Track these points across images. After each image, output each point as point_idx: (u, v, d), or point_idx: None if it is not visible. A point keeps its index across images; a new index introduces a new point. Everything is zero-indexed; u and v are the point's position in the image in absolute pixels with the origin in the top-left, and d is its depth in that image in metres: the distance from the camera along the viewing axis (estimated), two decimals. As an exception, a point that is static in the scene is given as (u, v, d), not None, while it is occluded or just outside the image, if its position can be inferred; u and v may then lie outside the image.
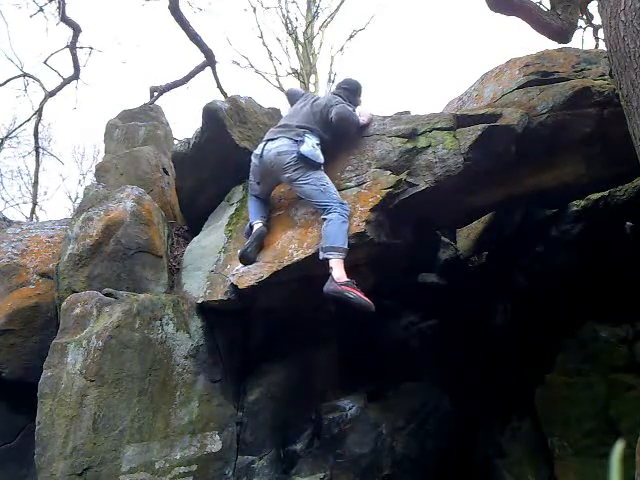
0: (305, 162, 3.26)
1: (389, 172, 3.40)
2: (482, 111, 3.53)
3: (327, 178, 3.30)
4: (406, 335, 4.94)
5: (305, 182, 3.24)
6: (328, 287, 2.96)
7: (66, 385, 3.07)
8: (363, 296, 2.93)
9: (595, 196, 4.45)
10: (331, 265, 3.02)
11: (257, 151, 3.48)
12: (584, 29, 7.00)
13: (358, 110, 3.70)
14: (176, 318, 3.50)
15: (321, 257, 3.07)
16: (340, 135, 3.59)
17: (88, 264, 3.62)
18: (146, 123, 6.22)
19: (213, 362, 3.57)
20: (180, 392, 3.35)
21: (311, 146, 3.29)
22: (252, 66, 12.16)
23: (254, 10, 12.05)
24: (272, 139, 3.42)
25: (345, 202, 3.22)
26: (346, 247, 3.07)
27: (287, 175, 3.31)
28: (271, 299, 3.53)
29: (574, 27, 4.82)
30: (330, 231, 3.08)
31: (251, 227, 3.50)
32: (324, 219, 3.16)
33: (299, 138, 3.33)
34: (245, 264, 3.39)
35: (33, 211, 12.10)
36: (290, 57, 12.51)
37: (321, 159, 3.32)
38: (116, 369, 3.16)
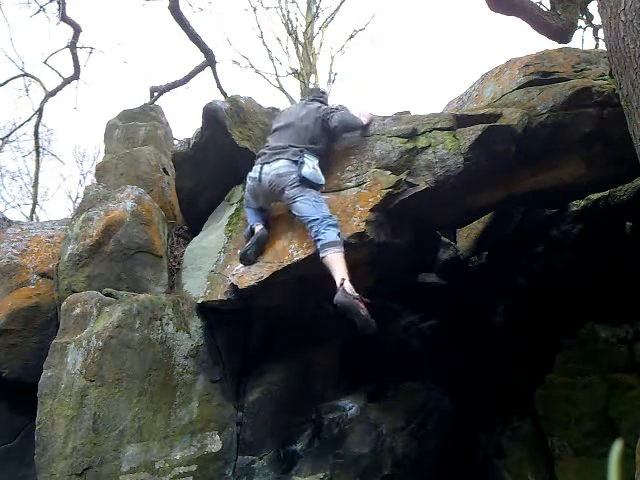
0: (306, 183, 3.25)
1: (389, 172, 3.40)
2: (482, 111, 3.53)
3: (321, 197, 3.29)
4: (406, 335, 4.94)
5: (301, 196, 3.22)
6: (342, 299, 2.89)
7: (66, 385, 3.07)
8: (368, 313, 2.88)
9: (595, 196, 4.45)
10: (335, 269, 2.97)
11: (253, 174, 3.44)
12: (584, 29, 7.00)
13: (358, 111, 3.71)
14: (176, 318, 3.50)
15: (321, 256, 3.05)
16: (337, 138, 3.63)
17: (88, 264, 3.63)
18: (146, 123, 6.21)
19: (213, 362, 3.57)
20: (180, 392, 3.35)
21: (312, 167, 3.29)
22: (252, 66, 12.16)
23: (254, 10, 12.06)
24: (268, 162, 3.38)
25: (333, 216, 3.19)
26: (340, 240, 3.05)
27: (285, 194, 3.29)
28: (271, 299, 3.53)
29: (574, 27, 4.83)
30: (323, 236, 3.06)
31: (252, 229, 3.48)
32: (315, 236, 3.10)
33: (297, 158, 3.30)
34: (245, 265, 3.39)
35: (33, 211, 12.11)
36: (290, 57, 12.52)
37: (322, 180, 3.33)
38: (116, 369, 3.16)
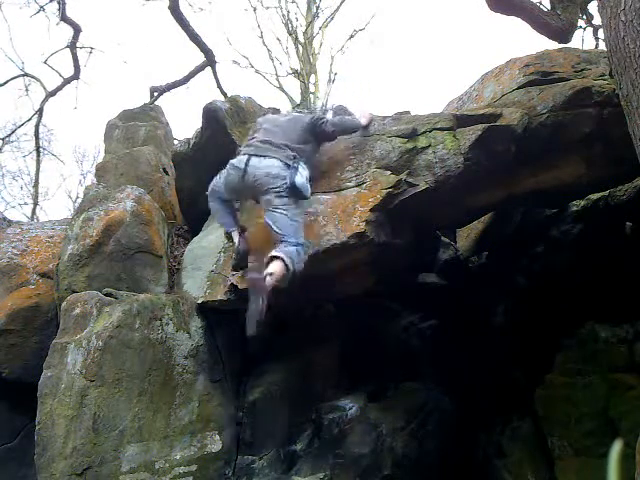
0: (294, 192, 3.05)
1: (389, 172, 3.39)
2: (482, 111, 3.53)
3: (301, 216, 3.14)
4: (406, 335, 4.94)
5: (285, 210, 3.02)
6: (255, 276, 2.82)
7: (66, 385, 3.07)
8: (262, 315, 2.80)
9: (595, 196, 4.45)
10: (271, 265, 2.83)
11: (238, 164, 3.16)
12: (584, 29, 6.99)
13: (358, 111, 3.70)
14: (176, 318, 3.51)
15: (273, 253, 2.88)
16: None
17: (88, 264, 3.63)
18: (146, 123, 6.21)
19: (213, 362, 3.57)
20: (180, 392, 3.35)
21: (304, 177, 3.10)
22: (252, 66, 12.16)
23: (254, 10, 12.05)
24: (257, 155, 3.15)
25: (305, 242, 3.07)
26: (294, 263, 2.89)
27: (268, 197, 3.06)
28: (271, 299, 3.52)
29: (574, 27, 4.83)
30: (286, 247, 2.92)
31: (229, 235, 3.27)
32: (282, 245, 2.94)
33: (291, 162, 3.11)
34: (238, 271, 3.32)
35: (34, 211, 12.12)
36: (290, 57, 12.49)
37: (309, 194, 3.17)
38: (116, 369, 3.16)
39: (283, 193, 3.03)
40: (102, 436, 3.02)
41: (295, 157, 3.16)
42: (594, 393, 3.84)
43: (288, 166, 3.09)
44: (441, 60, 30.06)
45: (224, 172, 3.28)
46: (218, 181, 3.34)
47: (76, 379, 3.08)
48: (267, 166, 3.09)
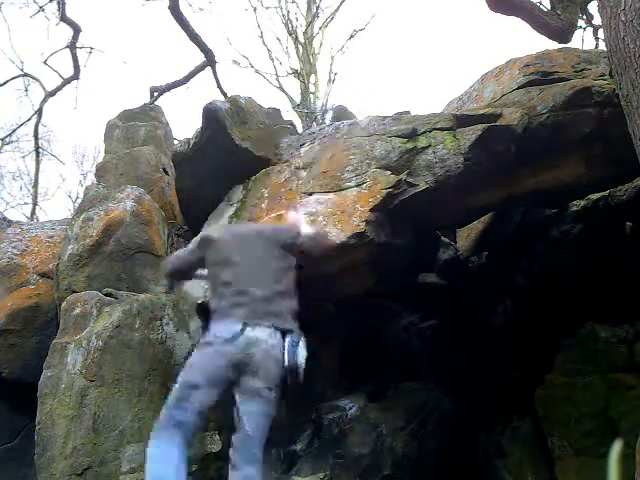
0: (290, 373, 2.43)
1: (389, 172, 3.39)
2: (482, 111, 3.53)
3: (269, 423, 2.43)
4: (406, 335, 4.94)
5: (261, 410, 2.37)
6: None
7: (66, 385, 3.07)
8: None
9: (595, 196, 4.45)
10: None
11: (227, 334, 2.38)
12: (584, 29, 6.99)
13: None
14: (176, 318, 3.51)
15: None
16: None
17: (88, 264, 3.63)
18: (146, 123, 6.21)
19: (213, 362, 3.57)
20: (180, 392, 3.34)
21: (304, 358, 2.46)
22: (252, 66, 12.13)
23: (254, 10, 12.03)
24: (254, 324, 2.40)
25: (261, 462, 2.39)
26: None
27: (257, 384, 2.37)
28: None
29: (574, 27, 4.83)
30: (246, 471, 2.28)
31: None
32: (245, 470, 2.29)
33: (291, 327, 2.47)
34: None
35: (34, 211, 12.12)
36: (290, 57, 12.46)
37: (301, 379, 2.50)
38: (116, 369, 3.16)
39: (274, 385, 2.42)
40: (102, 436, 3.02)
41: (296, 331, 2.49)
42: (594, 393, 3.84)
43: (283, 335, 2.44)
44: (441, 60, 30.10)
45: (206, 354, 2.46)
46: (185, 378, 2.47)
47: (76, 379, 3.08)
48: (270, 344, 2.41)
